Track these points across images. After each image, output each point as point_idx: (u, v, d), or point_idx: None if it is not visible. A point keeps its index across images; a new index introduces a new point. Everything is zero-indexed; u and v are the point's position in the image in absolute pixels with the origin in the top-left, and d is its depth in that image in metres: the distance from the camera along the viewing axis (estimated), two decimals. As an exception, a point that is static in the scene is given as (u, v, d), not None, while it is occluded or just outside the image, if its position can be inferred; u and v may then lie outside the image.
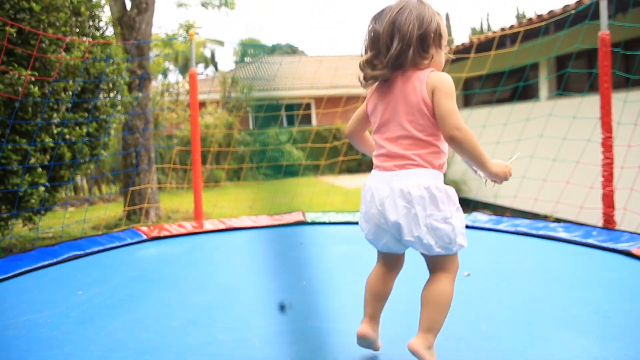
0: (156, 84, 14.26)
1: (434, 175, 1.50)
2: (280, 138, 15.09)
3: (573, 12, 5.50)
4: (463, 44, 8.43)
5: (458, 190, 3.39)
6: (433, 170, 1.51)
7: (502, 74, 7.80)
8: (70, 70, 4.74)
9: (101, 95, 5.27)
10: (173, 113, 12.40)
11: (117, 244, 3.68)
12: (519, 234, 3.70)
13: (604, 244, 3.20)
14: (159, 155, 11.74)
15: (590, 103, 5.53)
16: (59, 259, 3.23)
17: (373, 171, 1.61)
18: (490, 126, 6.28)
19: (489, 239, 3.63)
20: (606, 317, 2.09)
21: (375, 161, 1.60)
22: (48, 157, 4.68)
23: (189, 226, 4.31)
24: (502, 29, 7.23)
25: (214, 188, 11.11)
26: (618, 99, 4.92)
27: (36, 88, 4.31)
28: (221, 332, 2.06)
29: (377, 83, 1.62)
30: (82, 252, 3.41)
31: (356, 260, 3.06)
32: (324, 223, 4.44)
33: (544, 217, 6.02)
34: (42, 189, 4.56)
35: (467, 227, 3.28)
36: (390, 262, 1.68)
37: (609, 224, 4.19)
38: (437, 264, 1.56)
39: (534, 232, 3.65)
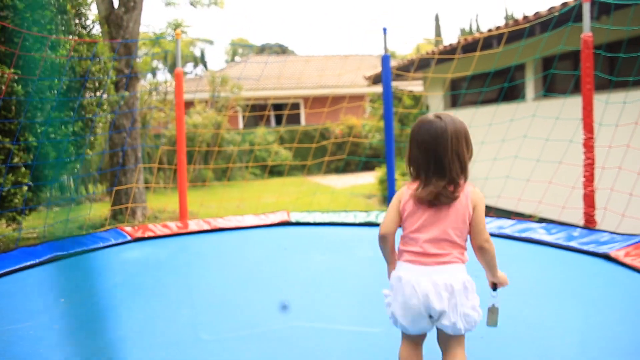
0: (144, 82, 14.19)
1: (464, 270, 1.76)
2: (267, 138, 15.09)
3: (557, 13, 5.56)
4: (450, 45, 8.47)
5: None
6: (463, 265, 1.77)
7: (487, 75, 7.86)
8: (56, 69, 4.71)
9: (87, 94, 5.23)
10: (161, 112, 12.34)
11: (101, 244, 3.68)
12: (501, 236, 3.75)
13: (584, 247, 3.26)
14: (147, 155, 11.66)
15: (573, 104, 5.59)
16: (41, 259, 3.22)
17: (407, 265, 1.77)
18: (476, 126, 6.32)
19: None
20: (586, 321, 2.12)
21: (407, 256, 1.78)
22: (31, 157, 4.65)
23: (173, 226, 4.30)
24: (489, 30, 7.28)
25: (201, 188, 11.08)
26: (600, 100, 4.98)
27: (19, 86, 4.28)
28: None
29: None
30: (64, 253, 3.40)
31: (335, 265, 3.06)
32: (309, 224, 4.46)
33: (528, 217, 6.08)
34: (25, 188, 4.53)
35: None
36: (420, 339, 1.87)
37: (589, 223, 4.26)
38: (457, 340, 1.78)
39: (516, 234, 3.70)
